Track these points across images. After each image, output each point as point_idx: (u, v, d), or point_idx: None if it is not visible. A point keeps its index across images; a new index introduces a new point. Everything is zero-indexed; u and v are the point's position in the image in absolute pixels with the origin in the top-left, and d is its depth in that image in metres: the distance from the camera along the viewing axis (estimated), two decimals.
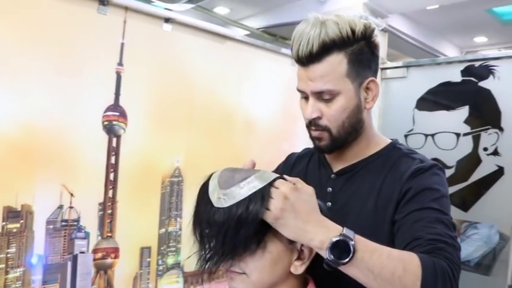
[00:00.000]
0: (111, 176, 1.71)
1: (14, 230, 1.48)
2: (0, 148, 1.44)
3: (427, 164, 0.93)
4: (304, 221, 0.73)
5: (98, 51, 1.64)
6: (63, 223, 1.59)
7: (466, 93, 2.03)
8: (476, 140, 2.00)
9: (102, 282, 1.68)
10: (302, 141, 2.45)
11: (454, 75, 2.06)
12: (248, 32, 2.63)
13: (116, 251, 1.72)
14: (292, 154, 1.22)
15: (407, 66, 2.21)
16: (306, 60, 0.90)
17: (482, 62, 2.00)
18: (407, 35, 2.46)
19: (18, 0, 1.46)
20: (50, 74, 1.53)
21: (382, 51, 2.28)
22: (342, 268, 0.73)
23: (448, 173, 2.06)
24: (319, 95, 0.91)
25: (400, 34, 2.34)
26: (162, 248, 1.86)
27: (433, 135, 2.11)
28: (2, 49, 1.43)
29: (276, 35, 2.63)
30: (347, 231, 0.73)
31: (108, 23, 1.65)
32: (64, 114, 1.57)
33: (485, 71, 1.98)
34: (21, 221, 1.50)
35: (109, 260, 1.70)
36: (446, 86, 2.09)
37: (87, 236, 1.66)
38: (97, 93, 1.65)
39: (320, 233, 0.73)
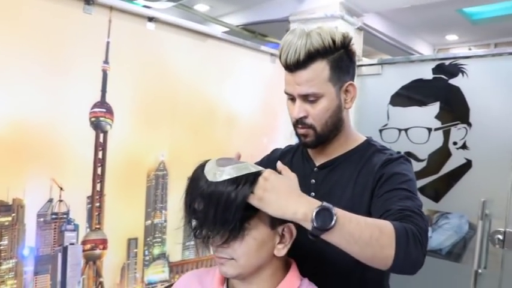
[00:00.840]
0: (99, 170, 1.77)
1: (6, 223, 1.53)
2: None
3: (395, 155, 1.06)
4: (286, 198, 0.82)
5: (84, 49, 1.70)
6: (53, 216, 1.65)
7: (437, 90, 2.15)
8: (447, 134, 2.12)
9: (92, 273, 1.75)
10: (281, 135, 2.55)
11: (426, 72, 2.17)
12: (228, 29, 2.68)
13: (104, 242, 1.78)
14: (276, 149, 1.33)
15: (381, 64, 2.31)
16: (294, 67, 1.01)
17: (452, 60, 2.11)
18: (382, 33, 2.56)
19: (4, 0, 1.50)
20: (37, 73, 1.58)
21: (358, 49, 2.38)
22: (325, 236, 0.80)
23: (420, 165, 2.18)
24: (305, 97, 1.03)
25: (375, 32, 2.44)
26: (148, 239, 1.93)
27: (406, 130, 2.23)
28: None
29: (255, 32, 2.70)
30: (326, 204, 0.81)
31: (93, 22, 1.71)
32: (52, 111, 1.62)
33: (455, 69, 2.10)
34: (13, 215, 1.55)
35: (98, 251, 1.76)
36: (418, 82, 2.20)
37: (76, 228, 1.72)
38: (84, 90, 1.70)
39: (302, 206, 0.81)
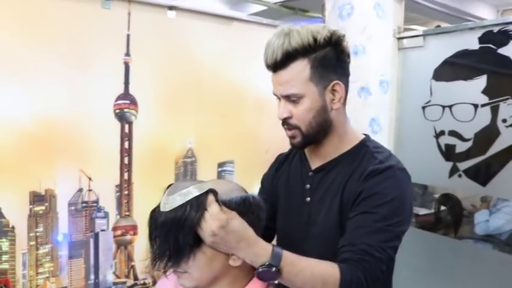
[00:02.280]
0: (126, 159, 1.84)
1: (40, 212, 1.66)
2: (22, 141, 1.61)
3: (383, 165, 0.98)
4: (235, 248, 0.85)
5: (106, 44, 1.75)
6: (84, 204, 1.76)
7: (484, 62, 1.93)
8: (495, 111, 1.91)
9: (123, 257, 1.85)
10: None
11: (472, 42, 1.96)
12: (266, 7, 2.61)
13: (134, 228, 1.87)
14: (280, 155, 1.31)
15: (424, 35, 2.12)
16: (273, 67, 1.01)
17: (502, 26, 1.88)
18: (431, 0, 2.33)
19: (27, 2, 1.59)
20: (62, 70, 1.66)
21: (399, 20, 2.20)
22: None
23: (466, 146, 2.00)
24: (287, 98, 1.01)
25: (420, 0, 2.23)
26: None
27: (450, 107, 2.04)
28: (15, 49, 1.57)
29: (295, 8, 2.60)
30: (274, 256, 0.85)
31: (113, 17, 1.75)
32: (78, 106, 1.71)
33: (504, 37, 1.86)
34: (46, 204, 1.67)
35: (128, 237, 1.86)
36: (463, 54, 2.00)
37: (106, 216, 1.82)
38: (107, 83, 1.77)
39: (249, 257, 0.86)
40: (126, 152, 1.84)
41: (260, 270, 0.85)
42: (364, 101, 2.17)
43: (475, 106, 1.96)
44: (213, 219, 0.82)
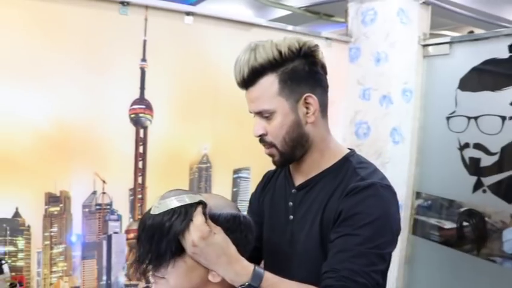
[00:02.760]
0: (140, 164, 1.86)
1: (55, 213, 1.71)
2: (39, 143, 1.66)
3: (364, 183, 0.92)
4: (214, 263, 0.83)
5: (122, 49, 1.78)
6: (97, 207, 1.79)
7: None
8: None
9: None
10: (339, 124, 2.42)
11: (502, 50, 1.86)
12: (290, 12, 2.58)
13: None
14: (267, 172, 1.26)
15: (450, 43, 2.04)
16: (242, 85, 0.98)
17: None
18: (459, 5, 2.22)
19: (46, 9, 1.63)
20: (79, 74, 1.70)
21: (424, 26, 2.12)
22: None
23: (491, 160, 1.91)
24: (260, 114, 0.98)
25: (447, 5, 2.13)
26: None
27: (476, 118, 1.95)
28: (35, 54, 1.62)
29: (319, 13, 2.56)
30: (254, 277, 0.82)
31: (129, 22, 1.77)
32: (93, 109, 1.74)
33: None
34: (61, 205, 1.72)
35: None
36: (491, 63, 1.90)
37: (119, 218, 1.84)
38: (123, 88, 1.79)
39: (229, 275, 0.84)
40: (140, 157, 1.86)
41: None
42: (385, 110, 2.11)
43: (503, 118, 1.86)
44: (195, 230, 0.81)
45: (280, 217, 1.06)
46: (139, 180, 1.87)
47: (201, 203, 0.85)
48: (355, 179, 0.94)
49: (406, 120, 2.13)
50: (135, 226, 1.88)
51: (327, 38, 2.23)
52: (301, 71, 0.95)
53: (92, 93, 1.74)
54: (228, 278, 0.84)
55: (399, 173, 2.15)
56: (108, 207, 1.82)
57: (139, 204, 1.88)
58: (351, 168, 0.97)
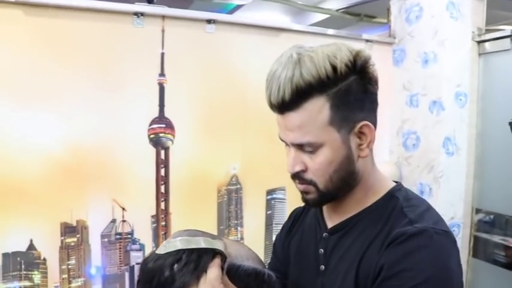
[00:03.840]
0: (162, 188, 1.71)
1: (72, 244, 1.58)
2: (52, 169, 1.54)
3: (413, 229, 0.70)
4: None
5: (138, 64, 1.64)
6: (118, 236, 1.65)
7: None
8: None
9: None
10: (385, 134, 2.17)
11: None
12: (328, 16, 2.38)
13: None
14: (295, 210, 1.03)
15: (511, 36, 1.76)
16: (279, 108, 0.75)
17: None
18: None
19: (53, 26, 1.52)
20: (92, 93, 1.57)
21: (479, 21, 1.85)
22: None
23: None
24: (300, 147, 0.76)
25: None
26: None
27: None
28: (44, 74, 1.51)
29: (359, 14, 2.34)
30: None
31: (145, 35, 1.63)
32: (109, 131, 1.61)
33: None
34: (78, 235, 1.59)
35: None
36: None
37: (142, 248, 1.70)
38: (141, 106, 1.65)
39: None
40: (162, 180, 1.70)
41: None
42: (436, 118, 1.85)
43: None
44: (207, 285, 0.65)
45: (309, 267, 0.84)
46: (162, 205, 1.72)
47: (219, 253, 0.69)
48: (401, 222, 0.72)
49: (461, 127, 1.86)
50: None
51: (367, 41, 2.00)
52: (357, 92, 0.73)
53: (107, 113, 1.60)
54: None
55: (455, 188, 1.88)
56: (129, 236, 1.67)
57: (163, 232, 1.72)
58: (397, 208, 0.75)
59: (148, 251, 1.71)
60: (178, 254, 0.68)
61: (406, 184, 1.95)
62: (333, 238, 0.81)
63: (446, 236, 0.71)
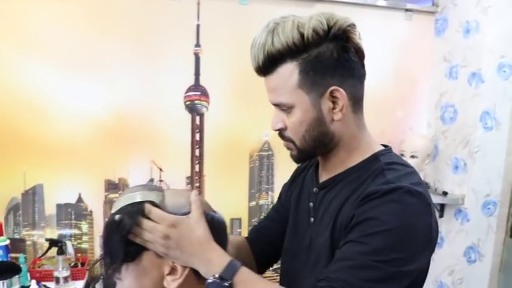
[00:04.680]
0: (197, 152, 1.83)
1: (114, 199, 1.75)
2: (98, 132, 1.72)
3: (387, 187, 0.73)
4: (190, 254, 0.73)
5: (175, 35, 1.74)
6: None
7: None
8: None
9: None
10: (423, 107, 2.13)
11: None
12: None
13: None
14: (298, 167, 1.10)
15: None
16: (258, 72, 0.82)
17: None
18: None
19: (99, 1, 1.66)
20: (133, 63, 1.71)
21: None
22: None
23: None
24: (279, 107, 0.82)
25: None
26: (253, 220, 1.93)
27: None
28: (91, 46, 1.67)
29: None
30: (228, 268, 0.71)
31: (182, 8, 1.73)
32: (149, 98, 1.74)
33: None
34: (119, 192, 1.76)
35: None
36: None
37: None
38: (177, 75, 1.77)
39: (203, 266, 0.73)
40: (197, 144, 1.82)
41: (209, 281, 0.71)
42: (474, 90, 1.79)
43: None
44: (161, 221, 0.72)
45: (302, 218, 0.91)
46: (197, 168, 1.85)
47: (150, 202, 0.75)
48: (379, 181, 0.76)
49: (503, 101, 1.77)
50: None
51: (406, 10, 1.95)
52: (328, 59, 0.77)
53: (147, 82, 1.74)
54: (202, 271, 0.73)
55: (492, 164, 1.81)
56: None
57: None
58: (378, 169, 0.79)
59: None
60: (120, 209, 0.75)
61: (441, 158, 1.92)
62: (320, 193, 0.87)
63: (419, 196, 0.73)
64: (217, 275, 0.70)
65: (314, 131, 0.80)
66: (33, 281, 1.42)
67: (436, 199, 1.87)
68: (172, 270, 0.74)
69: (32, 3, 1.61)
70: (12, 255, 1.58)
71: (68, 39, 1.65)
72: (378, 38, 1.95)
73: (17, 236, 1.68)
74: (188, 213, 0.75)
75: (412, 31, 1.97)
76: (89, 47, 1.67)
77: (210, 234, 0.74)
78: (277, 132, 0.85)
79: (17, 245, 1.67)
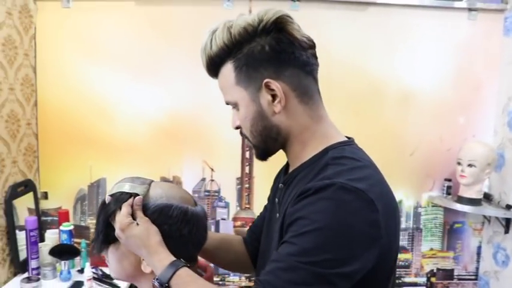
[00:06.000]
0: (247, 154, 1.89)
1: None
2: (155, 133, 1.86)
3: (320, 183, 0.71)
4: (140, 252, 0.80)
5: None
6: (206, 193, 1.90)
7: None
8: None
9: None
10: (489, 113, 1.97)
11: None
12: None
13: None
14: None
15: None
16: (209, 74, 0.87)
17: None
18: None
19: (159, 12, 1.81)
20: (188, 68, 1.83)
21: None
22: None
23: None
24: (230, 105, 0.87)
25: None
26: None
27: None
28: (149, 53, 1.82)
29: None
30: (165, 272, 0.75)
31: (235, 15, 1.79)
32: (202, 100, 1.85)
33: None
34: None
35: (247, 229, 1.91)
36: None
37: (227, 206, 1.92)
38: None
39: (151, 267, 0.79)
40: (247, 146, 1.88)
41: (153, 283, 0.76)
42: None
43: None
44: (118, 221, 0.80)
45: (272, 214, 0.92)
46: (247, 169, 1.91)
47: (135, 194, 0.82)
48: (318, 177, 0.74)
49: None
50: (242, 214, 1.93)
51: (470, 9, 1.84)
52: (260, 53, 0.78)
53: (200, 85, 1.85)
54: (148, 268, 0.80)
55: None
56: (216, 194, 1.91)
57: (246, 194, 1.91)
58: (323, 164, 0.77)
59: (232, 209, 1.93)
60: (111, 195, 0.84)
61: (508, 168, 1.77)
62: (283, 189, 0.87)
63: (356, 193, 0.69)
64: (156, 279, 0.76)
65: (258, 126, 0.82)
66: (87, 264, 1.58)
67: (498, 213, 1.73)
68: None
69: (101, 16, 1.81)
70: (76, 240, 1.77)
71: (131, 47, 1.83)
72: (438, 40, 1.86)
73: (82, 224, 1.88)
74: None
75: (476, 31, 1.85)
76: (149, 54, 1.83)
77: (157, 240, 0.79)
78: (239, 131, 0.88)
79: (82, 231, 1.87)
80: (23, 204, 1.72)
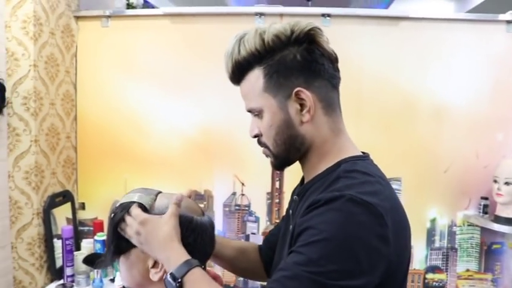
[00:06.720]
0: None
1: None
2: (188, 148, 1.91)
3: (330, 195, 0.71)
4: (156, 250, 0.81)
5: None
6: (237, 207, 1.92)
7: None
8: None
9: None
10: None
11: None
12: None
13: None
14: None
15: None
16: (232, 81, 0.89)
17: None
18: None
19: (192, 30, 1.88)
20: (220, 84, 1.84)
21: None
22: None
23: None
24: (252, 113, 0.88)
25: None
26: None
27: None
28: (183, 70, 1.88)
29: None
30: (181, 267, 0.77)
31: None
32: (234, 117, 1.88)
33: None
34: (205, 202, 1.92)
35: None
36: None
37: (257, 220, 1.93)
38: None
39: (165, 263, 0.81)
40: None
41: (166, 278, 0.77)
42: None
43: None
44: (136, 218, 0.82)
45: (287, 226, 0.93)
46: (277, 184, 1.91)
47: (141, 203, 0.85)
48: (328, 190, 0.75)
49: None
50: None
51: (508, 22, 1.79)
52: (292, 61, 0.80)
53: (232, 101, 1.86)
54: (165, 267, 0.80)
55: None
56: (247, 208, 1.93)
57: (276, 208, 1.92)
58: (335, 177, 0.77)
59: (262, 223, 1.93)
60: (119, 206, 0.87)
61: None
62: (297, 201, 0.88)
63: (365, 206, 0.69)
64: (169, 273, 0.77)
65: (284, 134, 0.82)
66: (117, 273, 1.62)
67: None
68: (156, 264, 0.84)
69: (138, 34, 1.89)
70: None
71: (166, 64, 1.89)
72: (473, 53, 1.82)
73: None
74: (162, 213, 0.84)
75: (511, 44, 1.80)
76: (183, 71, 1.89)
77: (176, 234, 0.81)
78: (257, 139, 0.89)
79: None
80: (62, 214, 1.80)
